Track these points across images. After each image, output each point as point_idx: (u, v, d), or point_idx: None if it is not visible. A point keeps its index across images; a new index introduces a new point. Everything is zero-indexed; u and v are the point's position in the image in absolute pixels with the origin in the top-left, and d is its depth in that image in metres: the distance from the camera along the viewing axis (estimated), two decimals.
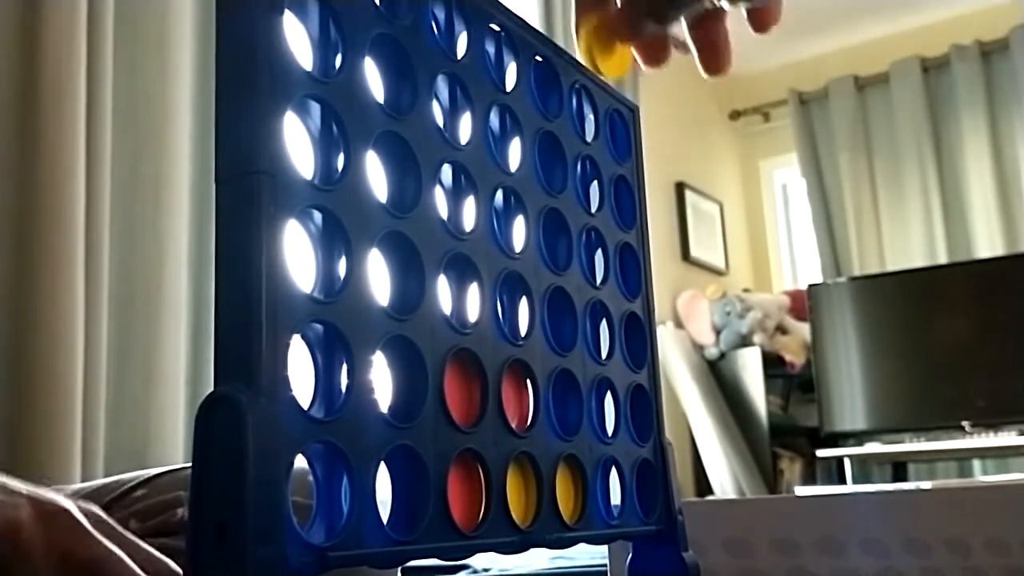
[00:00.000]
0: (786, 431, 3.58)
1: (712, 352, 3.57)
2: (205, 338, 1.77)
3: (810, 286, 3.42)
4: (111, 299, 1.59)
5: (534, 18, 2.86)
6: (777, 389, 3.66)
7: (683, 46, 0.62)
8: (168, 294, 1.67)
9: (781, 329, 3.63)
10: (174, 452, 1.63)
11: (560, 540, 0.46)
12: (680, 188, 3.95)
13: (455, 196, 0.44)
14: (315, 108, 0.36)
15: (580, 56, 0.57)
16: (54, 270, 1.46)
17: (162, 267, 1.67)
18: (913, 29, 4.07)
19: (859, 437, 3.26)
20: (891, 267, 3.87)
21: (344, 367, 0.35)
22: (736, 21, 0.61)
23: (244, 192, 0.32)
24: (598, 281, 0.54)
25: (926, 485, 2.14)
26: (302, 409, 0.32)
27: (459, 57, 0.45)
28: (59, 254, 1.46)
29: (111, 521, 0.52)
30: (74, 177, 1.50)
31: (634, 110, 0.61)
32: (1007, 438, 2.95)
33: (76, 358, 1.45)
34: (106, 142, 1.59)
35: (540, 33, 0.52)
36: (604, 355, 0.53)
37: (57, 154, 1.49)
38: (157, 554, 0.52)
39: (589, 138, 0.56)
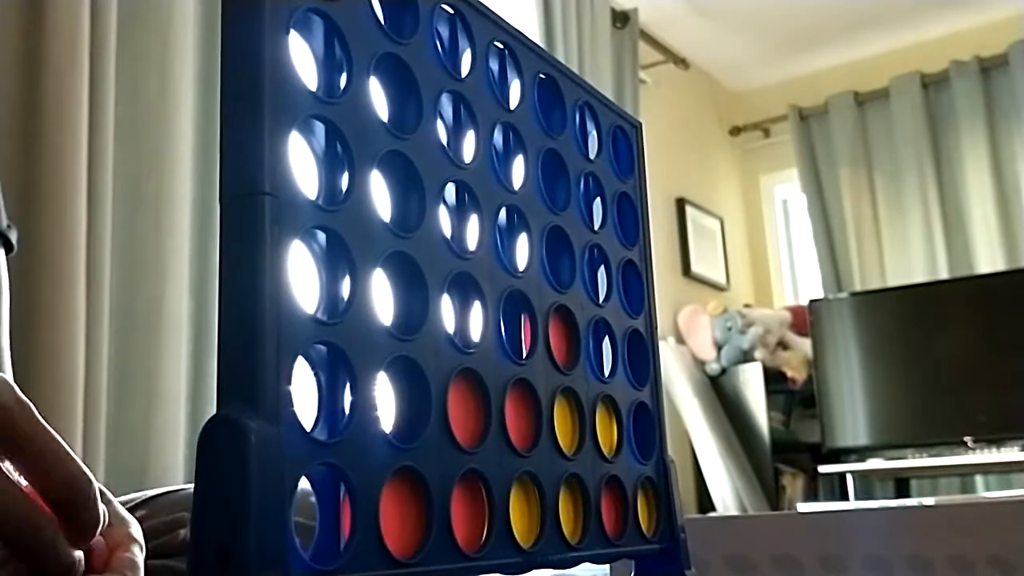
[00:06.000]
0: (788, 447, 3.57)
1: (713, 368, 3.57)
2: (206, 357, 1.76)
3: (811, 301, 3.42)
4: (112, 317, 1.59)
5: (534, 34, 2.87)
6: (779, 405, 3.65)
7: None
8: (169, 312, 1.67)
9: (782, 344, 3.63)
10: (174, 471, 1.62)
11: (563, 560, 0.46)
12: (681, 204, 3.96)
13: (459, 215, 0.44)
14: (319, 128, 0.36)
15: None
16: (55, 287, 1.46)
17: (163, 285, 1.67)
18: (912, 45, 4.08)
19: (861, 453, 3.25)
20: (892, 282, 3.87)
21: (347, 388, 0.35)
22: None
23: (248, 213, 0.32)
24: (601, 299, 0.54)
25: (929, 501, 2.13)
26: (305, 431, 0.32)
27: (463, 75, 0.45)
28: (60, 271, 1.46)
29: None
30: (76, 194, 1.50)
31: (637, 127, 0.61)
32: (1010, 454, 2.94)
33: (77, 376, 1.45)
34: (108, 159, 1.59)
35: (543, 50, 0.52)
36: (607, 373, 0.53)
37: (59, 171, 1.49)
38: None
39: (592, 155, 0.56)
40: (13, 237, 0.78)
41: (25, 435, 0.41)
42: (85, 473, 0.43)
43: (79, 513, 0.42)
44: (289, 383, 0.31)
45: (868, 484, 3.57)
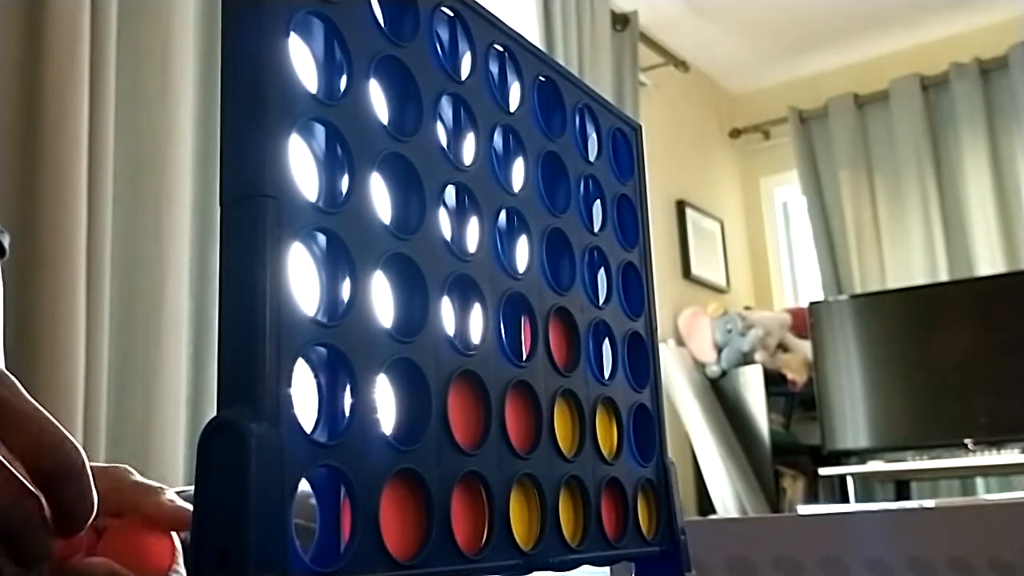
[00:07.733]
0: (788, 449, 3.57)
1: (714, 370, 3.57)
2: (206, 358, 1.76)
3: (811, 304, 3.42)
4: (112, 318, 1.59)
5: (534, 37, 2.87)
6: (779, 407, 3.65)
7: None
8: (169, 313, 1.67)
9: (783, 347, 3.63)
10: (174, 472, 1.62)
11: (563, 562, 0.46)
12: (681, 206, 3.96)
13: (458, 217, 0.44)
14: (320, 130, 0.36)
15: None
16: (55, 288, 1.46)
17: (163, 286, 1.67)
18: (912, 47, 4.08)
19: (861, 455, 3.25)
20: (892, 284, 3.86)
21: (348, 390, 0.35)
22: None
23: (249, 215, 0.32)
24: (601, 301, 0.54)
25: (929, 504, 2.13)
26: (305, 433, 0.32)
27: (463, 78, 0.45)
28: (61, 272, 1.46)
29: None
30: (76, 195, 1.50)
31: (637, 129, 0.61)
32: (1010, 456, 2.94)
33: (77, 377, 1.45)
34: (108, 159, 1.59)
35: (543, 53, 0.52)
36: (607, 375, 0.53)
37: (59, 172, 1.49)
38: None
39: (592, 157, 0.56)
40: (5, 242, 0.77)
41: (8, 404, 0.40)
42: (74, 445, 0.40)
43: (67, 486, 0.40)
44: (289, 385, 0.31)
45: (868, 486, 3.57)
